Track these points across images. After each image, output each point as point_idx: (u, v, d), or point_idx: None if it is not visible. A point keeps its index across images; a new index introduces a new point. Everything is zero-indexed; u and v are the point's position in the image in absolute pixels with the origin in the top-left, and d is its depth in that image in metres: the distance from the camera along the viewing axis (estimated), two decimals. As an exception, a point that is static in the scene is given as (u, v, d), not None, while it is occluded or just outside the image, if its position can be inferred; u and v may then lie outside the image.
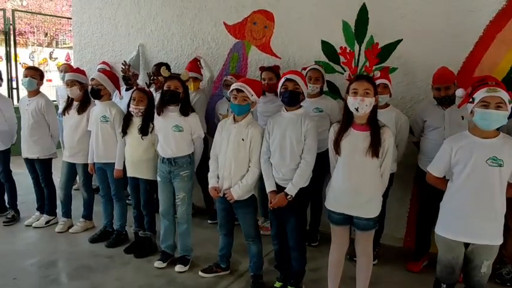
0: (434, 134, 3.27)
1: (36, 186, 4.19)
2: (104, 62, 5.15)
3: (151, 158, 3.46)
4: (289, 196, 2.74)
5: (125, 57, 5.11)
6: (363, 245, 2.65)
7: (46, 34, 10.32)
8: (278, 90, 2.90)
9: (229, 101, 3.26)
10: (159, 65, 4.39)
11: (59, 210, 4.20)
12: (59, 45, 11.10)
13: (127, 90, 4.66)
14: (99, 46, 5.35)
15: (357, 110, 2.45)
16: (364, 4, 3.76)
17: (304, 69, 3.85)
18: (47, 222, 4.14)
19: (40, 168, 4.05)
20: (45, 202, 4.16)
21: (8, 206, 4.30)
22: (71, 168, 3.96)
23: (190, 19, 4.65)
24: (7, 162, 4.18)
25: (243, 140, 2.90)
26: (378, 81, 3.26)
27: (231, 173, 2.91)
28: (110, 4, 5.18)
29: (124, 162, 3.57)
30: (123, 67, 3.99)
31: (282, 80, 2.84)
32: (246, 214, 2.99)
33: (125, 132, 3.48)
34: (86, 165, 3.88)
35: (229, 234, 3.16)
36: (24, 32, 10.60)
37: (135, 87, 3.53)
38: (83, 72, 3.91)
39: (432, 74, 3.30)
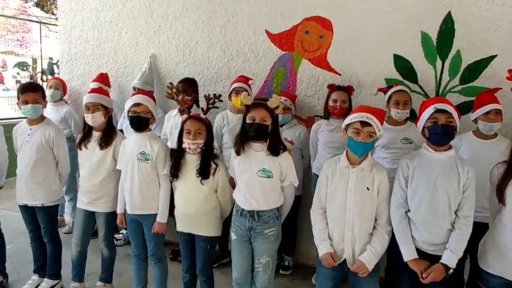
0: None
1: (34, 242, 3.17)
2: (100, 76, 4.16)
3: (213, 208, 2.65)
4: (450, 270, 2.07)
5: (131, 71, 4.22)
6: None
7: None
8: (418, 124, 2.26)
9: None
10: (186, 82, 3.61)
11: (64, 272, 3.22)
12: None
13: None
14: (96, 56, 4.36)
15: None
16: (449, 13, 3.19)
17: (382, 90, 3.24)
18: (50, 289, 3.14)
19: (44, 219, 3.06)
20: (48, 262, 3.16)
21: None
22: (89, 218, 3.01)
23: (220, 26, 3.84)
24: (-6, 213, 3.14)
25: (368, 189, 2.19)
26: (488, 107, 2.74)
27: (354, 234, 2.19)
28: (111, 5, 4.23)
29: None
30: (170, 90, 3.08)
31: (429, 110, 2.18)
32: None
33: (176, 175, 2.63)
34: (109, 215, 2.97)
35: None
36: None
37: (186, 115, 2.68)
38: (106, 93, 3.00)
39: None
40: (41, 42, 7.89)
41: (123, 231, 4.01)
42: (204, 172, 2.55)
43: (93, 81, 4.06)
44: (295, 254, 3.71)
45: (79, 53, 4.43)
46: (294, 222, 3.48)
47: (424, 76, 3.30)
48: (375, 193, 2.20)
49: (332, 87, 3.31)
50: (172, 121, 3.57)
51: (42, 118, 2.99)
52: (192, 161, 2.60)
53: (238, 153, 2.44)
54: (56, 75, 14.27)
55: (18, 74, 17.42)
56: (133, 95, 3.76)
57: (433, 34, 3.25)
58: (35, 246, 3.18)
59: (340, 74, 3.52)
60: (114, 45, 4.27)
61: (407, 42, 3.31)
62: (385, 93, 3.21)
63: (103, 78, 4.12)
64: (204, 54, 3.93)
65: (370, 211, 2.21)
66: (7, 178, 3.22)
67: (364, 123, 2.17)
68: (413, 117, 3.26)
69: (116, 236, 3.72)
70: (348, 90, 3.28)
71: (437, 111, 2.17)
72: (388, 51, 3.37)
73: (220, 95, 2.83)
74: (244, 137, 2.44)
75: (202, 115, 2.62)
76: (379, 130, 2.19)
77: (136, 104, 2.72)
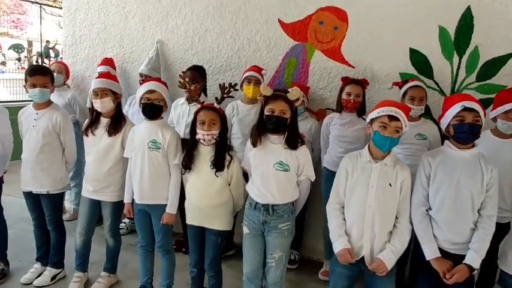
0: None
1: (38, 229, 3.09)
2: (106, 60, 4.05)
3: (226, 201, 2.58)
4: (474, 271, 2.03)
5: (137, 56, 4.12)
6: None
7: None
8: (442, 121, 2.19)
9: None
10: (195, 69, 3.51)
11: (66, 261, 3.15)
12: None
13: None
14: (101, 40, 4.24)
15: None
16: (468, 8, 3.12)
17: (397, 84, 3.17)
18: (53, 278, 3.06)
19: (48, 206, 2.97)
20: (51, 251, 3.08)
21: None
22: (95, 207, 2.93)
23: (231, 13, 3.74)
24: (-2, 198, 3.05)
25: (390, 185, 2.14)
26: (509, 105, 2.68)
27: (374, 231, 2.13)
28: (118, -12, 4.10)
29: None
30: (182, 80, 2.98)
31: (456, 107, 2.11)
32: None
33: (188, 167, 2.55)
34: (116, 204, 2.89)
35: None
36: None
37: (199, 105, 2.60)
38: (115, 78, 2.90)
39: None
40: (40, 23, 7.63)
41: (126, 220, 3.93)
42: (218, 164, 2.47)
43: (99, 65, 3.95)
44: (301, 248, 3.67)
45: (83, 37, 4.31)
46: (301, 216, 3.42)
47: (440, 72, 3.24)
48: (398, 190, 2.15)
49: (346, 80, 3.23)
50: (179, 109, 3.49)
51: (49, 103, 2.89)
52: (205, 153, 2.52)
53: (254, 144, 2.37)
54: (52, 60, 14.06)
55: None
56: (143, 81, 3.69)
57: (451, 29, 3.18)
58: (38, 233, 3.09)
59: (353, 67, 3.45)
60: (121, 30, 4.15)
61: (424, 37, 3.23)
62: (400, 87, 3.14)
63: (109, 63, 4.01)
64: (213, 42, 3.83)
65: (391, 208, 2.15)
66: (11, 161, 3.12)
67: (392, 118, 2.10)
68: (427, 113, 3.23)
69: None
70: (363, 83, 3.20)
71: (465, 109, 2.11)
72: (404, 45, 3.29)
73: (236, 84, 2.75)
74: (262, 129, 2.36)
75: (216, 105, 2.54)
76: (406, 126, 2.13)
77: (150, 91, 2.63)
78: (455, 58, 3.20)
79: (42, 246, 3.12)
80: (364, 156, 2.22)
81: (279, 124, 2.30)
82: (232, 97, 2.83)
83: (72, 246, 3.06)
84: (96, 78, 2.84)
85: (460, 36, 3.16)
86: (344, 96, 3.19)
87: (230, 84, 2.69)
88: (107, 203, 2.89)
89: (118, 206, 2.89)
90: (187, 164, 2.54)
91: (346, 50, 3.46)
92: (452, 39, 3.19)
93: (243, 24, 3.71)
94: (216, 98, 2.60)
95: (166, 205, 2.70)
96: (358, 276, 2.26)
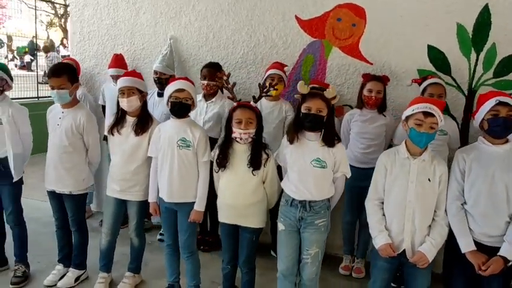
0: None
1: (60, 230, 3.04)
2: (116, 59, 3.97)
3: (261, 199, 2.58)
4: (510, 263, 2.08)
5: (149, 53, 4.07)
6: None
7: None
8: (476, 116, 2.22)
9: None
10: (212, 66, 3.49)
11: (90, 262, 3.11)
12: None
13: (160, 95, 3.66)
14: (111, 37, 4.17)
15: None
16: (486, 5, 3.18)
17: (416, 81, 3.21)
18: (76, 279, 3.02)
19: (71, 207, 2.92)
20: (74, 252, 3.04)
21: (14, 258, 3.07)
22: (121, 207, 2.90)
23: (247, 9, 3.72)
24: (18, 199, 2.98)
25: (429, 180, 2.17)
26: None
27: (414, 225, 2.17)
28: (129, -17, 4.03)
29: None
30: (225, 78, 2.95)
31: (490, 102, 2.16)
32: None
33: (223, 165, 2.54)
34: (142, 203, 2.87)
35: None
36: None
37: (235, 103, 2.59)
38: (141, 77, 2.85)
39: None
40: (35, 19, 7.42)
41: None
42: (255, 163, 2.47)
43: (110, 66, 3.89)
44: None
45: (92, 33, 4.23)
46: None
47: (458, 68, 3.29)
48: (436, 184, 2.20)
49: (367, 77, 3.25)
50: (197, 107, 3.45)
51: (75, 102, 2.84)
52: (241, 151, 2.51)
53: (291, 141, 2.38)
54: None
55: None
56: (157, 79, 3.65)
57: (468, 26, 3.23)
58: (60, 235, 3.04)
59: (372, 64, 3.47)
60: (131, 26, 4.08)
61: (442, 34, 3.28)
62: (419, 84, 3.19)
63: (119, 61, 3.94)
64: (228, 39, 3.80)
65: (431, 203, 2.21)
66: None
67: (427, 114, 2.14)
68: (445, 109, 3.27)
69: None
70: (384, 80, 3.23)
71: (499, 103, 2.16)
72: (421, 42, 3.34)
73: (276, 83, 2.73)
74: (298, 126, 2.37)
75: (252, 103, 2.53)
76: (441, 121, 2.17)
77: (179, 90, 2.60)
78: (473, 55, 3.26)
79: (65, 247, 3.07)
80: (402, 152, 2.25)
81: (315, 122, 2.31)
82: (270, 95, 2.81)
83: (93, 247, 3.02)
84: (122, 76, 2.79)
85: (478, 33, 3.22)
86: (365, 92, 3.21)
87: (270, 83, 2.68)
88: (133, 202, 2.86)
89: (144, 205, 2.87)
90: (222, 162, 2.53)
91: (364, 46, 3.48)
92: (470, 36, 3.24)
93: (259, 21, 3.70)
94: (254, 97, 2.60)
95: (194, 203, 2.69)
96: (397, 268, 2.30)
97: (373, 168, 3.06)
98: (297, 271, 2.50)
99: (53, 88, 2.73)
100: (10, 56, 16.88)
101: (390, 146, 3.33)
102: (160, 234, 3.84)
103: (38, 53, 10.06)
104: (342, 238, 3.49)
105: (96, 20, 4.19)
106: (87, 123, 2.81)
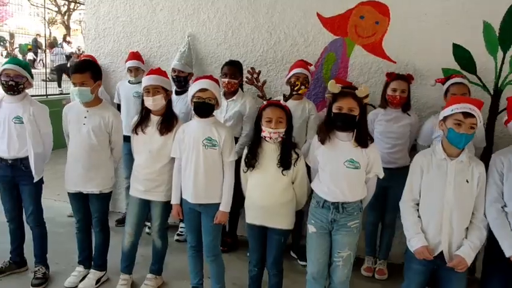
0: None
1: (81, 232, 2.98)
2: (133, 54, 3.92)
3: (290, 200, 2.53)
4: None
5: (166, 51, 4.01)
6: None
7: None
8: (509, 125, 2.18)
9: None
10: (233, 64, 3.44)
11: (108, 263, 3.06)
12: None
13: (178, 93, 3.61)
14: (127, 34, 4.10)
15: None
16: (514, 4, 3.13)
17: (440, 81, 3.15)
18: (97, 281, 2.97)
19: (97, 207, 2.87)
20: (96, 253, 2.99)
21: (34, 259, 3.01)
22: (144, 207, 2.85)
23: (267, 6, 3.66)
24: (39, 199, 2.93)
25: (467, 181, 2.13)
26: None
27: (452, 227, 2.13)
28: (145, -21, 3.97)
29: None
30: (250, 76, 2.89)
31: None
32: None
33: (252, 165, 2.48)
34: (166, 204, 2.81)
35: None
36: None
37: (265, 102, 2.53)
38: (166, 75, 2.79)
39: None
40: (45, 17, 7.33)
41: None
42: (285, 162, 2.42)
43: (128, 59, 3.84)
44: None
45: (107, 30, 4.16)
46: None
47: (483, 67, 3.25)
48: (475, 186, 2.15)
49: (391, 76, 3.20)
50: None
51: (98, 100, 2.78)
52: (270, 151, 2.46)
53: (323, 142, 2.33)
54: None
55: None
56: (176, 76, 3.59)
57: (495, 24, 3.18)
58: (82, 237, 2.99)
59: (395, 62, 3.42)
60: (148, 23, 4.02)
61: (468, 32, 3.23)
62: (442, 84, 3.13)
63: (137, 57, 3.89)
64: (248, 36, 3.74)
65: (469, 204, 2.16)
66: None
67: (467, 115, 2.08)
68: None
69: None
70: (408, 79, 3.18)
71: None
72: (446, 40, 3.29)
73: (308, 82, 2.68)
74: (330, 126, 2.32)
75: (282, 102, 2.48)
76: (481, 121, 2.12)
77: (202, 90, 2.54)
78: (500, 54, 3.21)
79: (86, 249, 3.02)
80: (439, 153, 2.20)
81: (347, 122, 2.26)
82: (300, 94, 2.76)
83: (111, 248, 2.97)
84: (147, 74, 2.74)
85: (505, 32, 3.17)
86: (389, 92, 3.16)
87: (301, 82, 2.63)
88: (157, 203, 2.81)
89: (168, 206, 2.81)
90: (251, 162, 2.48)
91: (387, 45, 3.43)
92: (497, 35, 3.19)
93: (279, 18, 3.64)
94: (284, 95, 2.54)
95: (218, 204, 2.64)
96: (432, 271, 2.26)
97: (397, 168, 3.07)
98: (327, 274, 2.45)
99: (74, 85, 2.66)
100: (4, 54, 16.83)
101: (414, 146, 3.29)
102: (178, 234, 3.79)
103: (42, 51, 10.01)
104: (364, 239, 3.45)
105: (111, 16, 4.13)
106: (116, 122, 2.78)
